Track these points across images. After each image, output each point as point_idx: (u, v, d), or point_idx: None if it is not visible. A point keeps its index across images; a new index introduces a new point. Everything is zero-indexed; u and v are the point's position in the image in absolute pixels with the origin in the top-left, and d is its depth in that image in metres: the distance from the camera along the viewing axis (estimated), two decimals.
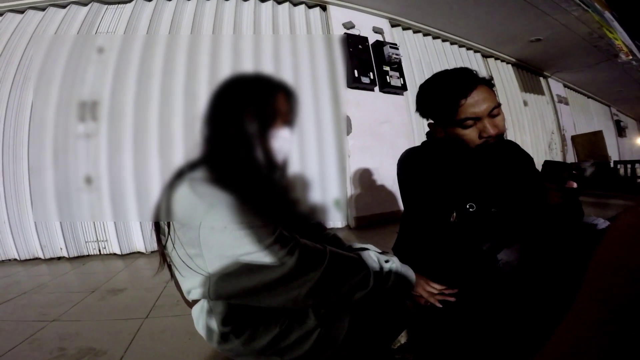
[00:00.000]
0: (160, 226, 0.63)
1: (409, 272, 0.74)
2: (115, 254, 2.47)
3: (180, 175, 0.58)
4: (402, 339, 1.00)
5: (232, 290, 0.58)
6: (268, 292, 0.58)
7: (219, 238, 0.55)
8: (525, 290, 0.82)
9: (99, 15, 2.75)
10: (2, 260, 2.39)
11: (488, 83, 0.82)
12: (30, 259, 2.41)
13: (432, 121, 0.90)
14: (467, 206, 0.85)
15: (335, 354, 0.64)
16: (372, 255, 0.68)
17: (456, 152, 0.92)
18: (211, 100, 0.63)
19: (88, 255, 2.47)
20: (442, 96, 0.82)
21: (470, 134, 0.81)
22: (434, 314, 0.80)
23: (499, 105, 0.81)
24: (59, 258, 2.42)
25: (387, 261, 0.69)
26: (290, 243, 0.58)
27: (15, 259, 2.39)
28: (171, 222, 0.59)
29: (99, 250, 2.48)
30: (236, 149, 0.61)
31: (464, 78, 0.81)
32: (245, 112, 0.61)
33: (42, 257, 2.39)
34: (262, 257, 0.55)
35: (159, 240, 0.65)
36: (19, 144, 2.39)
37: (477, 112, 0.79)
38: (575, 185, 0.76)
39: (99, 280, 1.84)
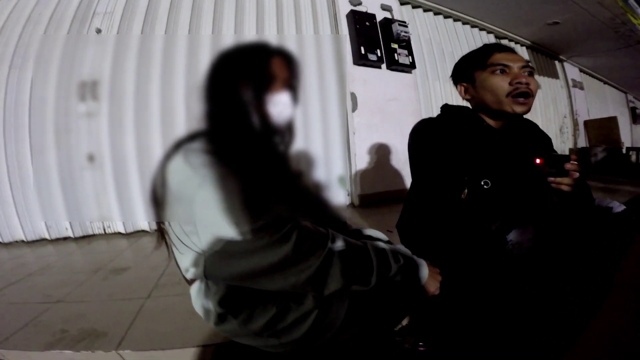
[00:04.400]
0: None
1: (421, 266, 0.69)
2: (120, 233, 2.49)
3: (178, 146, 0.55)
4: (404, 321, 0.98)
5: (227, 272, 0.56)
6: (265, 277, 0.54)
7: (212, 214, 0.52)
8: (534, 274, 0.79)
9: None
10: (10, 242, 2.41)
11: (527, 62, 0.88)
12: (37, 240, 2.43)
13: (464, 84, 0.94)
14: (482, 182, 0.80)
15: (334, 336, 0.62)
16: (382, 250, 0.63)
17: (473, 124, 0.88)
18: (207, 72, 0.61)
19: (93, 235, 2.49)
20: (477, 49, 0.92)
21: (500, 82, 0.83)
22: (437, 297, 0.77)
23: (532, 68, 0.86)
24: (65, 238, 2.44)
25: (397, 260, 0.64)
26: (288, 225, 0.54)
27: (23, 241, 2.42)
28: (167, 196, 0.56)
29: (104, 230, 2.50)
30: (234, 117, 0.58)
31: (504, 45, 0.91)
32: (241, 80, 0.58)
33: (49, 238, 2.42)
34: (257, 238, 0.52)
35: None
36: (20, 125, 2.37)
37: (508, 62, 0.84)
38: (577, 175, 0.73)
39: (103, 259, 1.86)
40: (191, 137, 0.57)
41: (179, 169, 0.53)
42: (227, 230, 0.52)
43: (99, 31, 2.57)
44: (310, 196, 0.75)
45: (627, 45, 4.82)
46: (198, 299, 0.66)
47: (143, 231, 2.53)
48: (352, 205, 2.96)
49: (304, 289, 0.56)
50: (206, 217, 0.53)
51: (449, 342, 0.88)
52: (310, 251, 0.54)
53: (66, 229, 2.42)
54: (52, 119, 2.38)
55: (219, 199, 0.51)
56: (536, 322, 0.70)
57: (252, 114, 0.58)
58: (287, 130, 0.64)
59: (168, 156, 0.55)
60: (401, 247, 0.70)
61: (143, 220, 2.48)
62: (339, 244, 0.58)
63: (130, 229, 2.51)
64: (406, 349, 0.93)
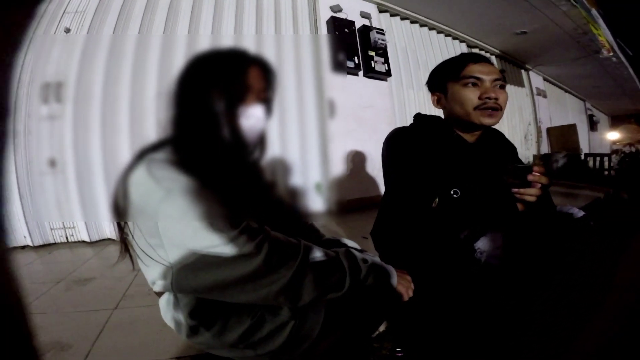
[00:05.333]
0: None
1: (390, 272, 0.69)
2: (84, 242, 2.34)
3: (141, 156, 0.53)
4: (381, 327, 0.99)
5: (196, 285, 0.54)
6: (235, 289, 0.53)
7: (178, 228, 0.50)
8: (502, 280, 0.82)
9: None
10: None
11: (502, 71, 0.91)
12: None
13: (437, 94, 0.96)
14: (452, 192, 0.83)
15: (312, 347, 0.61)
16: (351, 254, 0.63)
17: (444, 134, 0.91)
18: (179, 76, 0.58)
19: (54, 244, 2.32)
20: (454, 58, 0.94)
21: (470, 94, 0.85)
22: (413, 303, 0.79)
23: (504, 81, 0.88)
24: (23, 247, 2.26)
25: (365, 261, 0.64)
26: (258, 237, 0.53)
27: None
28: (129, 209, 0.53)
29: (67, 238, 2.33)
30: (202, 127, 0.56)
31: (480, 55, 0.93)
32: (213, 88, 0.56)
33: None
34: (226, 251, 0.50)
35: (120, 228, 0.59)
36: None
37: (480, 75, 0.85)
38: (540, 185, 0.76)
39: (66, 269, 1.74)
40: (156, 147, 0.54)
41: (141, 181, 0.50)
42: (194, 243, 0.50)
43: (67, 30, 2.43)
44: (283, 207, 0.74)
45: (586, 55, 5.21)
46: (168, 311, 0.63)
47: (109, 239, 2.39)
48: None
49: (277, 301, 0.54)
50: (171, 231, 0.51)
51: (427, 348, 0.90)
52: (281, 263, 0.53)
53: (24, 237, 2.24)
54: (11, 121, 2.21)
55: (183, 213, 0.49)
56: (508, 327, 0.73)
57: (222, 125, 0.56)
58: (259, 144, 0.63)
59: (131, 167, 0.52)
60: (368, 253, 0.70)
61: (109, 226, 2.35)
62: (311, 255, 0.57)
63: (95, 237, 2.37)
64: (384, 355, 0.94)
